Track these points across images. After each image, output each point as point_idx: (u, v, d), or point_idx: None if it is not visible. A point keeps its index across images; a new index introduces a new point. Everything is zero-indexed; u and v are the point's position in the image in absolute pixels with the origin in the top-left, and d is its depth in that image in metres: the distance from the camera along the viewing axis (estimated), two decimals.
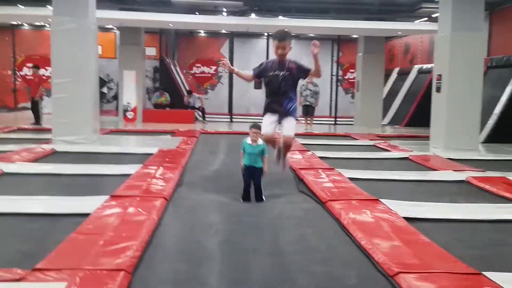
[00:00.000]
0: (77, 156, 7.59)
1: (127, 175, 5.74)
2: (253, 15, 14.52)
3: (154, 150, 7.82)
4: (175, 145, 8.56)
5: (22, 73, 18.75)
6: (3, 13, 12.86)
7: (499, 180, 6.03)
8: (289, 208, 4.84)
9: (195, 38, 20.58)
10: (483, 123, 10.16)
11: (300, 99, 13.15)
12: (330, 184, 5.52)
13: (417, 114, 14.37)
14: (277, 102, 5.22)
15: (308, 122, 13.72)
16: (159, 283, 2.90)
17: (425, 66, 15.70)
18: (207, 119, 15.21)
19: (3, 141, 8.71)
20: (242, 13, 14.37)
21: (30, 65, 16.25)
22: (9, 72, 18.63)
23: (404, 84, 16.55)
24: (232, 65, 5.56)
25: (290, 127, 5.25)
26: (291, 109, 5.23)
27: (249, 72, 5.46)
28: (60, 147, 8.05)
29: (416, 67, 16.41)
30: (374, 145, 9.71)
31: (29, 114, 12.93)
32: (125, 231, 3.61)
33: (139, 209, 4.23)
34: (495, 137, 10.52)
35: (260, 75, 5.31)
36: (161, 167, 6.24)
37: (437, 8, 9.94)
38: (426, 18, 14.73)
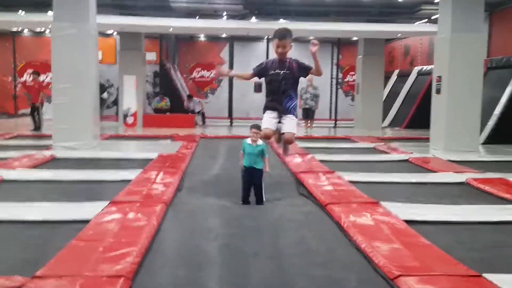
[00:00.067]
0: (77, 162, 7.58)
1: (127, 181, 5.75)
2: (253, 19, 14.55)
3: (154, 155, 7.82)
4: (175, 150, 8.56)
5: (22, 79, 18.82)
6: (5, 20, 12.91)
7: (499, 181, 6.03)
8: (289, 211, 4.84)
9: (195, 42, 20.62)
10: (483, 124, 10.15)
11: (300, 102, 13.13)
12: (330, 187, 5.52)
13: (417, 116, 14.36)
14: (277, 101, 5.17)
15: (308, 125, 13.71)
16: None
17: (425, 67, 15.70)
18: (207, 123, 15.21)
19: (3, 148, 8.72)
20: (242, 16, 14.39)
21: (30, 71, 16.30)
22: (10, 79, 18.70)
23: (404, 86, 16.54)
24: (232, 68, 5.52)
25: (290, 124, 5.20)
26: (291, 107, 5.19)
27: (249, 72, 5.41)
28: (60, 153, 8.05)
29: (416, 69, 16.40)
30: (374, 148, 9.70)
31: (29, 120, 12.93)
32: (125, 237, 3.61)
33: (139, 215, 4.23)
34: (495, 138, 10.52)
35: (261, 75, 5.27)
36: (161, 172, 6.24)
37: (437, 9, 9.94)
38: (426, 20, 14.75)
